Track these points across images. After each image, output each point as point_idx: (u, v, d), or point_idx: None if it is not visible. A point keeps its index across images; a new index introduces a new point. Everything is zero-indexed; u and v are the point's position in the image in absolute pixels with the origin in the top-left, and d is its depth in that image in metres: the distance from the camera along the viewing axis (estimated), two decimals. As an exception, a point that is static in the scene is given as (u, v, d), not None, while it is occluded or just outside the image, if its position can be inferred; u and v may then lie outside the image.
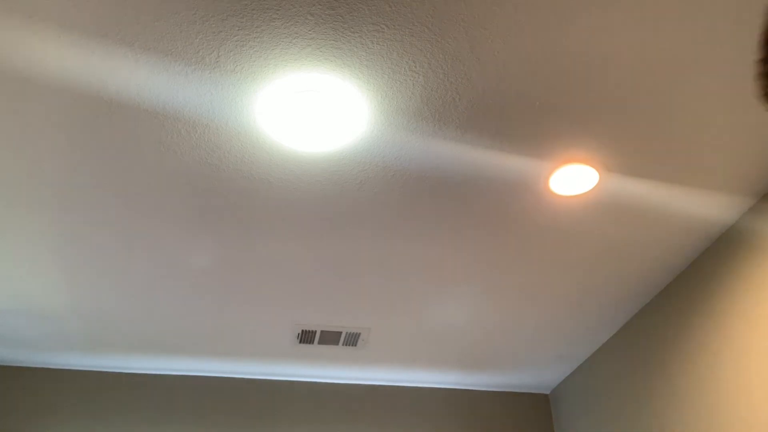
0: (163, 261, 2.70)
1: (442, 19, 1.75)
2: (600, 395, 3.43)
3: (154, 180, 2.28)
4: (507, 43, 1.82)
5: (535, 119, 2.07)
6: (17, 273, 2.79)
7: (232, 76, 1.90)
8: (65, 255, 2.67)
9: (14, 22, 1.72)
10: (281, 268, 2.80)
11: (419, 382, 3.93)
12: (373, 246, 2.66)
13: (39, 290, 2.91)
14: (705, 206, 2.47)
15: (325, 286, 2.93)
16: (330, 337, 3.38)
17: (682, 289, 2.85)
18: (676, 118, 2.08)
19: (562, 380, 3.85)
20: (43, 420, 3.47)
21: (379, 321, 3.24)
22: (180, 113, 2.02)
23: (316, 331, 3.32)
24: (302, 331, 3.31)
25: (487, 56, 1.86)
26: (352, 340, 3.40)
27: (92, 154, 2.17)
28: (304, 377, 3.86)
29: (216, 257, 2.72)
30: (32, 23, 1.73)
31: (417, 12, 1.73)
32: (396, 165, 2.24)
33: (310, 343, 3.44)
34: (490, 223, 2.52)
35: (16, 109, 1.99)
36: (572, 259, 2.75)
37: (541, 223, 2.52)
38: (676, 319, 2.87)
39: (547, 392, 4.03)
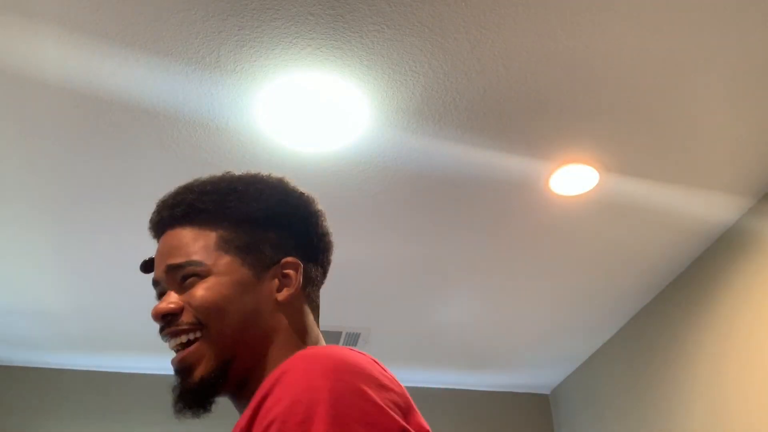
0: (163, 261, 2.70)
1: (442, 19, 1.75)
2: (600, 395, 3.43)
3: (154, 180, 2.28)
4: (507, 43, 1.82)
5: (535, 119, 2.07)
6: (17, 273, 2.79)
7: (233, 76, 1.90)
8: (65, 255, 2.67)
9: (14, 22, 1.72)
10: (281, 268, 2.80)
11: (419, 382, 3.93)
12: (372, 246, 2.66)
13: (39, 290, 2.91)
14: (705, 206, 2.47)
15: (325, 286, 2.92)
16: (330, 337, 3.38)
17: (682, 289, 2.85)
18: (676, 118, 2.08)
19: (562, 380, 3.85)
20: (43, 420, 3.47)
21: (379, 321, 3.24)
22: (180, 113, 2.02)
23: (316, 331, 3.32)
24: (302, 331, 3.31)
25: (487, 56, 1.86)
26: (352, 340, 3.40)
27: (92, 154, 2.17)
28: (304, 377, 3.85)
29: (216, 257, 2.72)
30: (32, 23, 1.73)
31: (417, 12, 1.73)
32: (396, 165, 2.24)
33: (310, 343, 3.43)
34: (490, 223, 2.52)
35: (16, 108, 1.99)
36: (572, 259, 2.75)
37: (541, 223, 2.52)
38: (677, 319, 2.87)
39: (547, 392, 4.03)
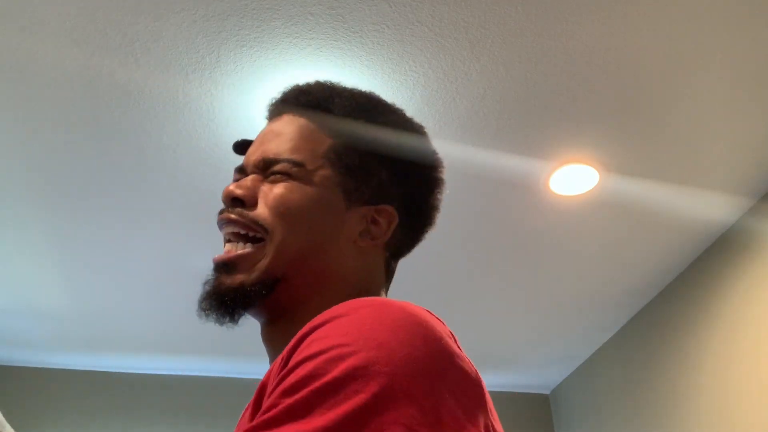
0: (164, 260, 2.70)
1: (442, 19, 1.75)
2: (600, 395, 3.43)
3: (155, 180, 2.28)
4: (507, 43, 1.82)
5: (535, 119, 2.07)
6: (17, 273, 2.79)
7: (233, 75, 1.90)
8: (65, 255, 2.67)
9: (14, 22, 1.72)
10: (281, 268, 2.80)
11: (419, 382, 3.92)
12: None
13: (39, 290, 2.91)
14: (705, 206, 2.47)
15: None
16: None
17: (682, 290, 2.85)
18: (676, 118, 2.08)
19: (562, 380, 3.85)
20: (43, 420, 3.47)
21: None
22: (180, 113, 2.02)
23: (316, 331, 3.31)
24: (302, 331, 3.30)
25: (487, 56, 1.86)
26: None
27: (92, 154, 2.17)
28: (304, 377, 3.85)
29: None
30: (32, 23, 1.73)
31: (417, 12, 1.73)
32: (396, 165, 2.23)
33: (310, 343, 3.42)
34: (490, 223, 2.52)
35: (15, 108, 1.99)
36: (572, 259, 2.75)
37: (541, 223, 2.52)
38: (676, 320, 2.87)
39: (547, 392, 4.03)
